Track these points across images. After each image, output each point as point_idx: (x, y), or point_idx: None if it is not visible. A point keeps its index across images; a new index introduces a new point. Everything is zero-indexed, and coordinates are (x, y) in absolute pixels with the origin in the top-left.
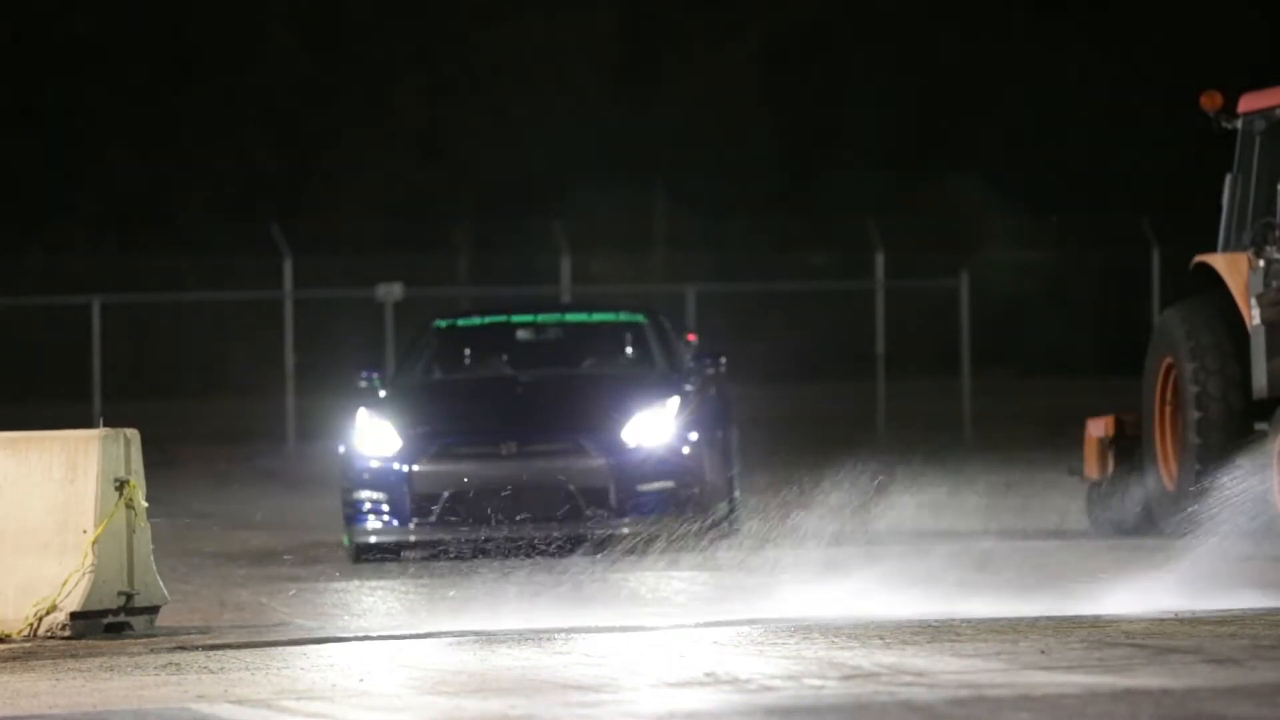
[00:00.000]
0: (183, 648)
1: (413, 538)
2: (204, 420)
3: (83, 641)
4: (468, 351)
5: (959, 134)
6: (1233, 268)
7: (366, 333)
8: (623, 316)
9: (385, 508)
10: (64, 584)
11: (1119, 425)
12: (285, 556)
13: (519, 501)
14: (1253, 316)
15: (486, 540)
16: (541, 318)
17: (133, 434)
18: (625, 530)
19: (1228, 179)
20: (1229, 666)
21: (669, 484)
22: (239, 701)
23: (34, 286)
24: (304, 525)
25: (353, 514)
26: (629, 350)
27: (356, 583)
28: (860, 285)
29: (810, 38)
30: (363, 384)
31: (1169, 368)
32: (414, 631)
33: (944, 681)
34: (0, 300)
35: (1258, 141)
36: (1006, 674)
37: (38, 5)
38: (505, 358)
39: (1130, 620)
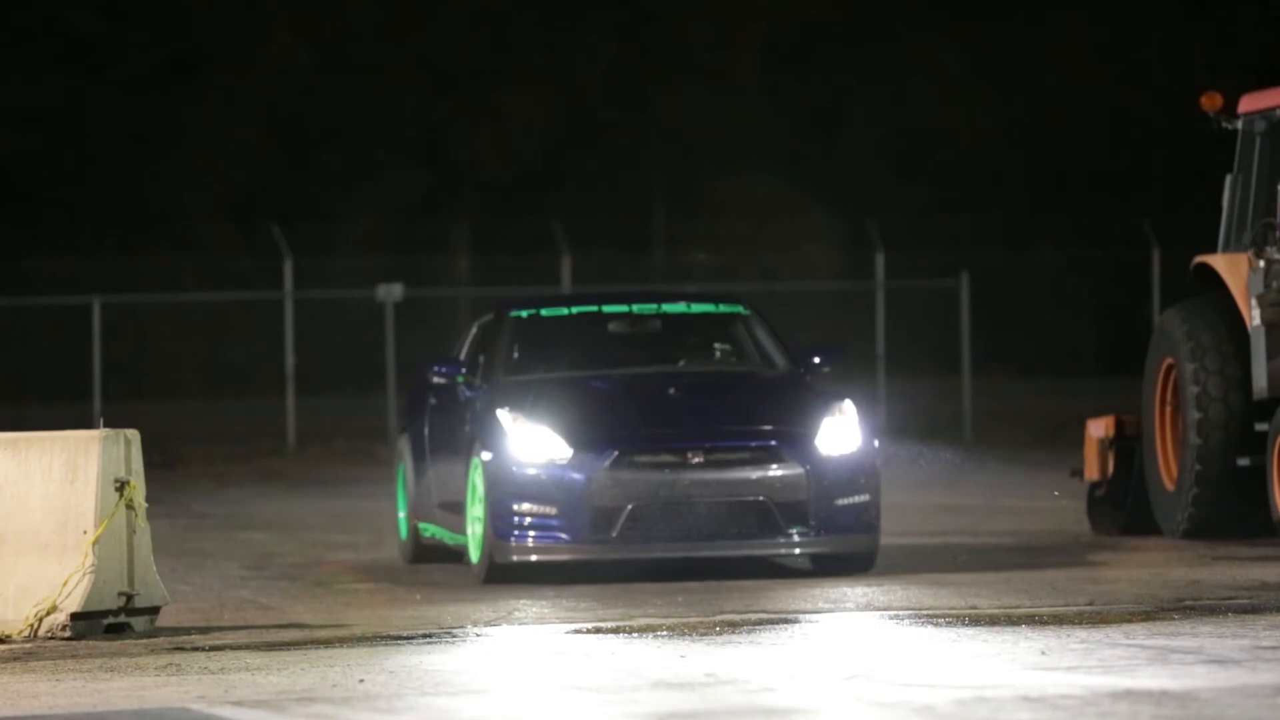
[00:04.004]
0: (183, 648)
1: (588, 556)
2: (204, 420)
3: (83, 642)
4: (568, 345)
5: (959, 133)
6: (1233, 268)
7: (366, 333)
8: (723, 308)
9: (555, 523)
10: (64, 585)
11: (1119, 426)
12: (286, 557)
13: (708, 517)
14: (1253, 317)
15: (665, 560)
16: (637, 308)
17: (133, 434)
18: (826, 550)
19: (1228, 179)
20: (1229, 666)
21: (865, 498)
22: (239, 702)
23: (34, 286)
24: (305, 525)
25: (507, 529)
26: (737, 344)
27: (359, 583)
28: (860, 285)
29: (811, 36)
30: (439, 379)
31: (1169, 368)
32: (414, 632)
33: (944, 681)
34: (0, 300)
35: (1258, 142)
36: (1006, 674)
37: (38, 5)
38: (609, 353)
39: (1130, 620)
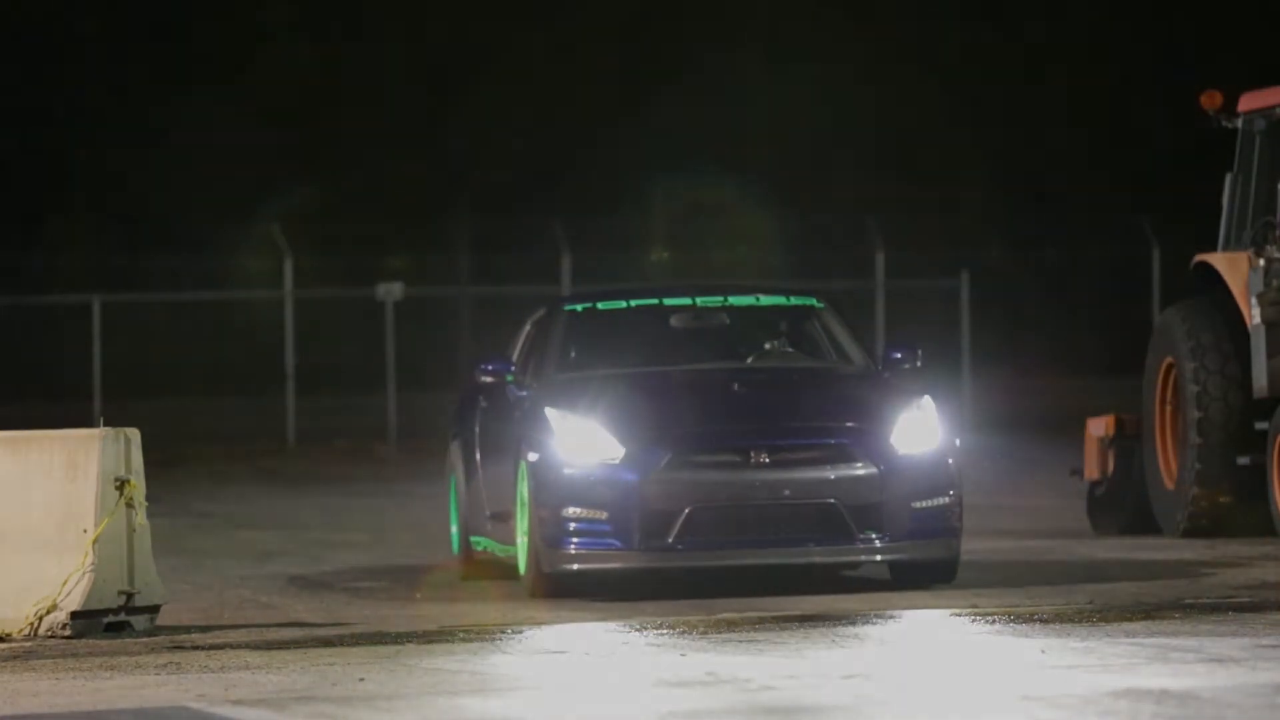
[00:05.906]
0: (183, 647)
1: (642, 564)
2: (204, 420)
3: (83, 641)
4: (626, 341)
5: (959, 133)
6: (1233, 267)
7: (366, 333)
8: (794, 300)
9: (606, 528)
10: (64, 583)
11: (1119, 425)
12: (286, 557)
13: (773, 521)
14: (1253, 316)
15: (724, 568)
16: (701, 300)
17: (133, 433)
18: (902, 557)
19: (1228, 178)
20: (1229, 666)
21: (944, 500)
22: (239, 701)
23: (34, 286)
24: (305, 525)
25: (554, 536)
26: (810, 339)
27: (358, 582)
28: (860, 285)
29: (812, 34)
30: (487, 378)
31: (1169, 367)
32: (413, 630)
33: (944, 681)
34: (0, 300)
35: (1258, 141)
36: (1007, 673)
37: (38, 5)
38: (671, 348)
39: (1130, 620)
